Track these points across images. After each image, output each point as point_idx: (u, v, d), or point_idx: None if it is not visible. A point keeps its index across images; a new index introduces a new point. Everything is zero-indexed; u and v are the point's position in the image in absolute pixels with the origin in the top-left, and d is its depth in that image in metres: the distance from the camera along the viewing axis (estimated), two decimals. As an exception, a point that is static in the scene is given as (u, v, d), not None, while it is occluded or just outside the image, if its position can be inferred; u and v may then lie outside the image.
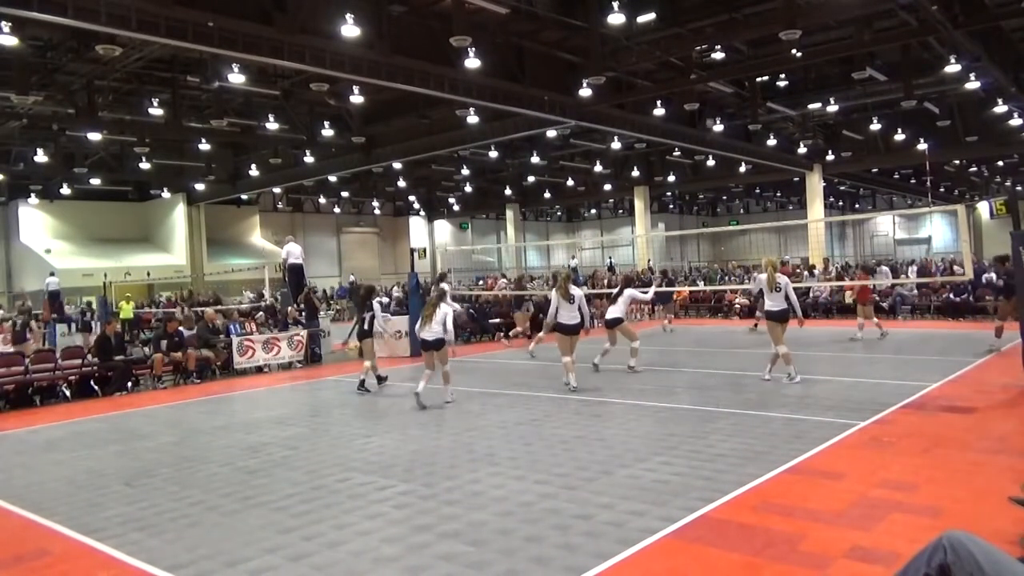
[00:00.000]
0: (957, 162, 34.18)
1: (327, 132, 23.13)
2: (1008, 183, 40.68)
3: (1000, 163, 36.83)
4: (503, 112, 18.56)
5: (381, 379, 11.12)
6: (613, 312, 11.78)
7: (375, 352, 11.21)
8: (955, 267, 22.44)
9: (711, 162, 31.33)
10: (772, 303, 9.72)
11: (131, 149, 24.74)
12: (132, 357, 13.04)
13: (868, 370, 10.72)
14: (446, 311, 9.23)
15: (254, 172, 28.83)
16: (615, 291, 12.33)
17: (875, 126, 24.44)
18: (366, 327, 11.00)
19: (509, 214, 41.03)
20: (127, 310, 22.40)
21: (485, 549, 4.35)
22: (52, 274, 25.68)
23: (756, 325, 16.24)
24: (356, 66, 13.75)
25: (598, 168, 32.17)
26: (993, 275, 19.97)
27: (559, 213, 54.88)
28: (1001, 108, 22.12)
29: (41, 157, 23.85)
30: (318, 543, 4.59)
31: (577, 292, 9.89)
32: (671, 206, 51.99)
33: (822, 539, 4.28)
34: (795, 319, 10.00)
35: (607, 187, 36.87)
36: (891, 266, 24.92)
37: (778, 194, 47.98)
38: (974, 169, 38.01)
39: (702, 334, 17.61)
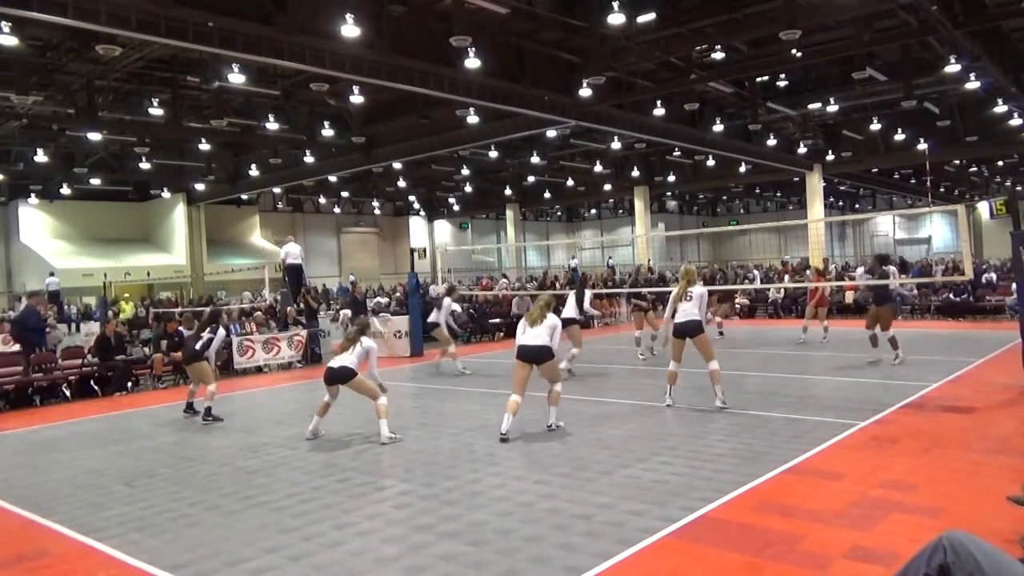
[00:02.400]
0: (957, 162, 34.16)
1: (327, 132, 23.12)
2: (1008, 183, 40.67)
3: (1000, 163, 36.79)
4: (503, 112, 18.54)
5: (205, 413, 9.21)
6: (567, 312, 11.12)
7: (213, 375, 9.54)
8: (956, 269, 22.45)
9: (711, 162, 31.32)
10: (680, 315, 8.28)
11: (131, 149, 24.73)
12: (132, 357, 13.05)
13: (868, 370, 10.72)
14: (368, 348, 7.55)
15: (254, 172, 28.80)
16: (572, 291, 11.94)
17: (875, 126, 24.41)
18: (197, 347, 9.30)
19: (509, 214, 41.01)
20: (128, 310, 22.42)
21: (485, 549, 4.35)
22: (52, 274, 25.71)
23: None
24: (356, 66, 13.74)
25: (598, 168, 32.14)
26: (994, 275, 20.04)
27: (559, 213, 54.84)
28: (1001, 108, 22.11)
29: (41, 157, 23.84)
30: (318, 543, 4.59)
31: (552, 320, 7.56)
32: (671, 206, 51.98)
33: (822, 539, 4.28)
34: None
35: (607, 187, 36.83)
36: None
37: (778, 194, 47.95)
38: (974, 169, 37.97)
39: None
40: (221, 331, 9.62)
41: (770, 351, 11.20)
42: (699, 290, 8.34)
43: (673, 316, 8.42)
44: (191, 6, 11.07)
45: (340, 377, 7.43)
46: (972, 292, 18.77)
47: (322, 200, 41.24)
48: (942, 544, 2.51)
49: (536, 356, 7.37)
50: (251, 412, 9.78)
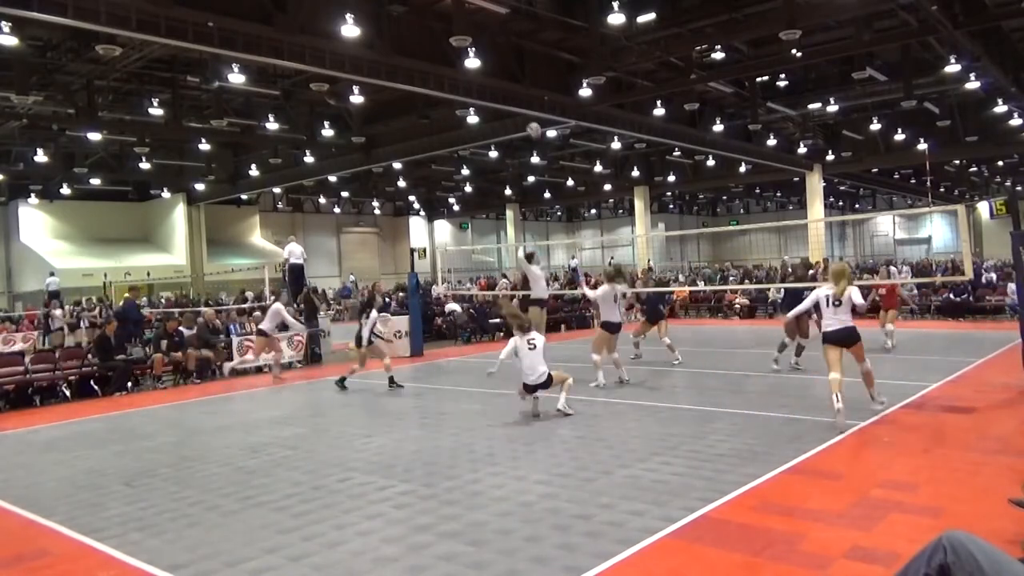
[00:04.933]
0: (957, 162, 34.18)
1: (327, 132, 23.13)
2: (1008, 183, 40.68)
3: (1000, 163, 36.83)
4: (503, 112, 18.55)
5: (390, 382, 10.46)
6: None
7: (386, 350, 10.74)
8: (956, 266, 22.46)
9: (711, 162, 31.33)
10: (832, 322, 7.52)
11: (131, 149, 24.75)
12: (132, 357, 13.04)
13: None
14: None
15: (254, 172, 28.82)
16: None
17: (875, 126, 24.44)
18: (364, 334, 10.79)
19: (509, 214, 41.03)
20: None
21: (485, 549, 4.34)
22: (52, 274, 25.70)
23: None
24: (356, 66, 13.75)
25: (598, 168, 32.16)
26: (994, 275, 20.03)
27: (559, 213, 54.85)
28: (1001, 108, 22.14)
29: (41, 157, 23.86)
30: (318, 543, 4.59)
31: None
32: (671, 206, 51.97)
33: (822, 539, 4.28)
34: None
35: (607, 187, 36.86)
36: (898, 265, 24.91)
37: (778, 194, 47.96)
38: (974, 169, 38.00)
39: (702, 334, 17.60)
40: (373, 313, 11.07)
41: (770, 351, 11.22)
42: (855, 292, 7.36)
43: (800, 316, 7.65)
44: (191, 6, 11.08)
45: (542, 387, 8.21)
46: (972, 292, 18.77)
47: (322, 200, 41.25)
48: (942, 544, 2.51)
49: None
50: (251, 412, 9.77)
